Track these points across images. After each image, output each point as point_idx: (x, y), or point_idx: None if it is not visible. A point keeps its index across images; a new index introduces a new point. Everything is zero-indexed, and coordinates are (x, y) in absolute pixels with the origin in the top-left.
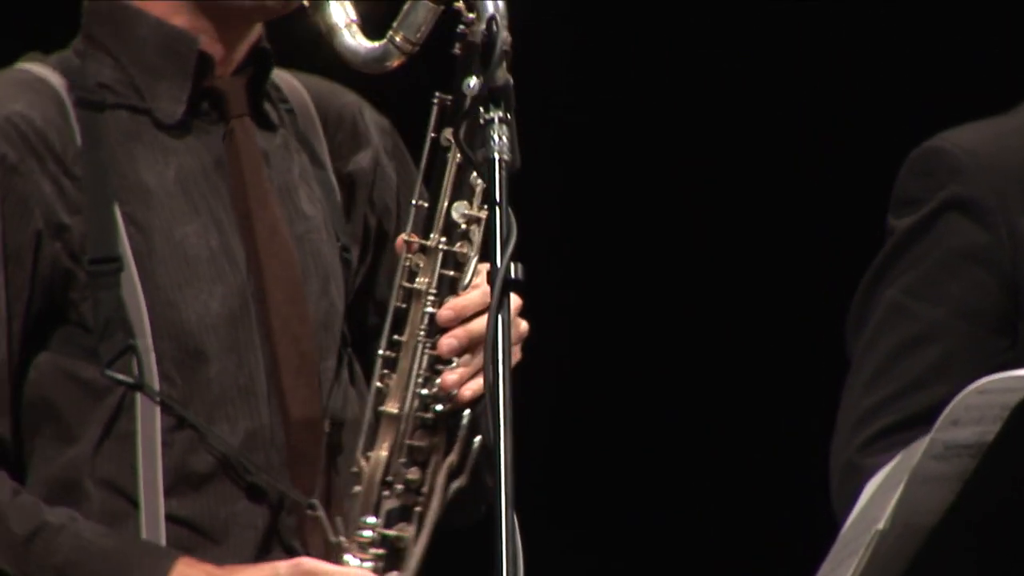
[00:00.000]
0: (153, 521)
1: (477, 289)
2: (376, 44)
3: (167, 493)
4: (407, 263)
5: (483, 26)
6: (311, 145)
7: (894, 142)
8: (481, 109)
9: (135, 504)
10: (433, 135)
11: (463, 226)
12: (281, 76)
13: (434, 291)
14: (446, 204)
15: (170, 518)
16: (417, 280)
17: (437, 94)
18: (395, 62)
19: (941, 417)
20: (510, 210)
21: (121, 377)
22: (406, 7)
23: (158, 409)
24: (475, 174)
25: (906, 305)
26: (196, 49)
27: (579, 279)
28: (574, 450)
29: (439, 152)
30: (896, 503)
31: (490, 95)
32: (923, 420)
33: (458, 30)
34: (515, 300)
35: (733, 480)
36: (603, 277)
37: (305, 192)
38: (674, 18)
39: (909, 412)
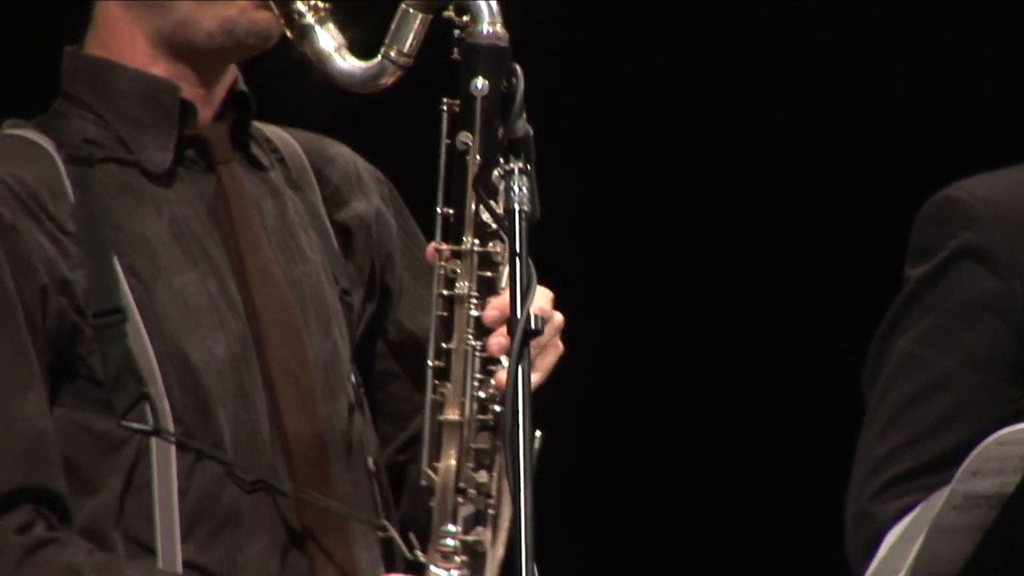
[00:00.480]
0: (170, 567)
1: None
2: (370, 63)
3: (184, 539)
4: (441, 271)
5: (480, 27)
6: (305, 193)
7: (914, 153)
8: (501, 160)
9: (153, 551)
10: (448, 141)
11: (493, 226)
12: (272, 130)
13: (475, 294)
14: (473, 206)
15: (188, 564)
16: (456, 286)
17: (445, 100)
18: (392, 78)
19: (961, 468)
20: (530, 260)
21: (138, 426)
22: (395, 21)
23: (174, 456)
24: (497, 174)
25: (919, 354)
26: (178, 97)
27: (588, 289)
28: (596, 463)
29: (456, 157)
30: (916, 554)
31: (510, 146)
32: (935, 468)
33: (455, 35)
34: (547, 293)
35: (749, 494)
36: (613, 286)
37: (303, 235)
38: (687, 26)
39: (921, 460)
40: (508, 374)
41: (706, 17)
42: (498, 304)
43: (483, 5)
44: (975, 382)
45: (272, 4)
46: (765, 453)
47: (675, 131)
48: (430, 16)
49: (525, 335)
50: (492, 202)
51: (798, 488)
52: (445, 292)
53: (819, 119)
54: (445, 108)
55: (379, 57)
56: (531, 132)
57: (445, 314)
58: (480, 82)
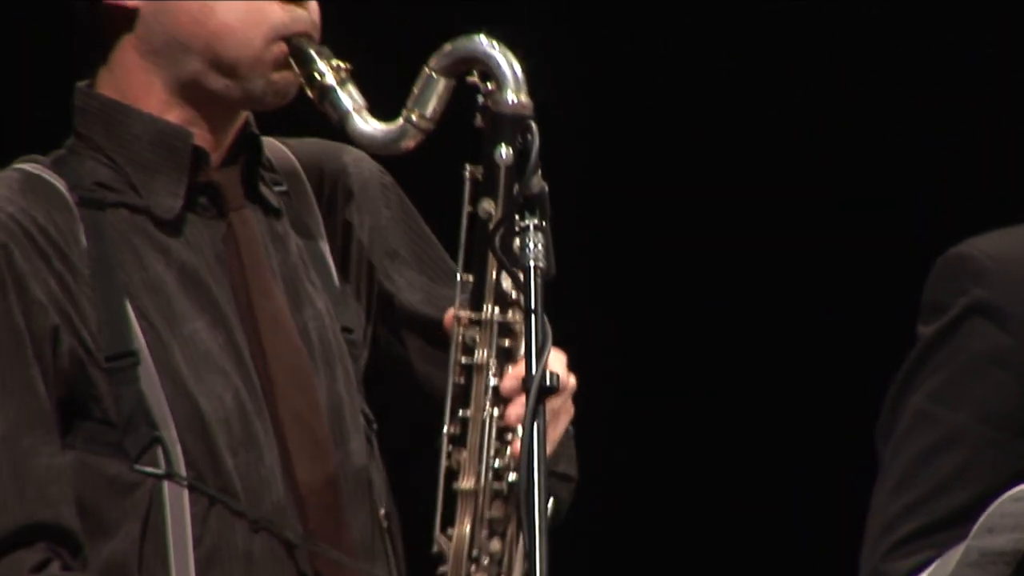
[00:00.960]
0: None
1: None
2: (391, 125)
3: None
4: (460, 338)
5: (505, 95)
6: (306, 224)
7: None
8: (516, 216)
9: None
10: (470, 208)
11: (513, 296)
12: (270, 146)
13: (494, 363)
14: (494, 274)
15: None
16: (476, 354)
17: (468, 167)
18: (413, 141)
19: (976, 525)
20: (545, 317)
21: (151, 470)
22: (419, 84)
23: (187, 501)
24: (518, 241)
25: (930, 410)
26: (191, 144)
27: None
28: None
29: (478, 224)
30: None
31: (525, 202)
32: (948, 525)
33: (479, 102)
34: (561, 357)
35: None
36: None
37: (306, 278)
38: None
39: (933, 518)
40: (523, 429)
41: (725, 84)
42: (516, 373)
43: (508, 72)
44: (986, 438)
45: (293, 63)
46: (775, 480)
47: (686, 188)
48: (453, 81)
49: (540, 391)
50: (509, 262)
51: (812, 522)
52: (464, 360)
53: (852, 164)
54: (468, 174)
55: (400, 120)
56: (546, 188)
57: (463, 381)
58: (504, 151)
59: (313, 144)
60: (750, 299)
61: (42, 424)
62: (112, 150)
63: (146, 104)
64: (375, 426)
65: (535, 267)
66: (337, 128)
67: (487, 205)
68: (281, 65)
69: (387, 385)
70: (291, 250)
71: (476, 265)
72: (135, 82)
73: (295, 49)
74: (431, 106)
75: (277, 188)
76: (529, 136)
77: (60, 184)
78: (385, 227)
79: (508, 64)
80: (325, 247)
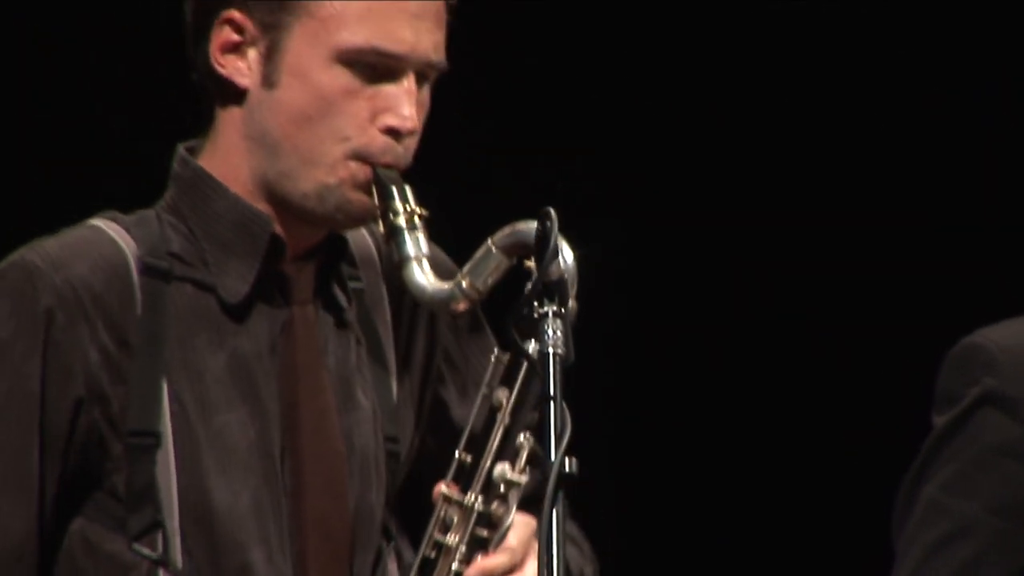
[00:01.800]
0: None
1: (506, 552)
2: (444, 285)
3: None
4: (442, 513)
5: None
6: (373, 323)
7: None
8: (535, 303)
9: None
10: (486, 391)
11: (501, 488)
12: (357, 234)
13: (464, 549)
14: (488, 463)
15: None
16: (448, 536)
17: (496, 350)
18: (460, 306)
19: None
20: (564, 405)
21: (147, 552)
22: (479, 254)
23: None
24: (522, 437)
25: (942, 502)
26: (269, 231)
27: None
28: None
29: (490, 411)
30: None
31: (544, 289)
32: None
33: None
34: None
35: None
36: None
37: (359, 381)
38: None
39: None
40: (543, 517)
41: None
42: (483, 567)
43: (564, 266)
44: (997, 529)
45: (374, 191)
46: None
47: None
48: (512, 261)
49: (559, 478)
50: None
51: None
52: (437, 537)
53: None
54: (494, 359)
55: (452, 283)
56: (565, 275)
57: (432, 556)
58: (532, 344)
59: None
60: (753, 304)
61: (21, 493)
62: (194, 221)
63: (234, 184)
64: (393, 542)
65: (554, 354)
66: (395, 268)
67: (501, 394)
68: (360, 186)
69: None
70: (351, 350)
71: (477, 448)
72: (229, 159)
73: (379, 179)
74: (484, 279)
75: (354, 284)
76: (548, 222)
77: (130, 249)
78: (446, 333)
79: (565, 264)
80: (389, 348)
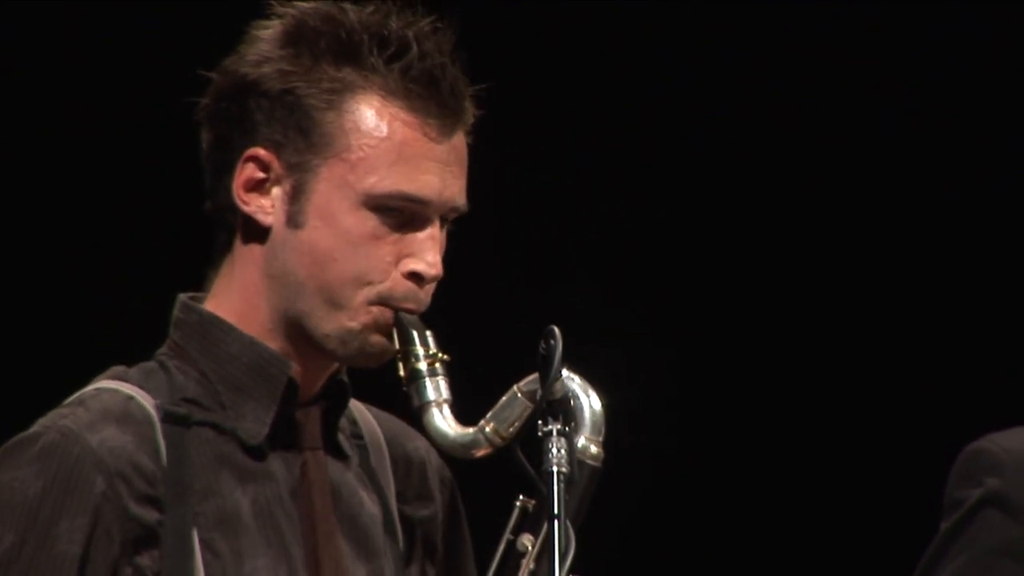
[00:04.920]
0: None
1: None
2: (466, 430)
3: None
4: None
5: (577, 440)
6: (379, 484)
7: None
8: (540, 422)
9: None
10: (510, 536)
11: None
12: (357, 407)
13: None
14: None
15: None
16: None
17: (521, 497)
18: (482, 452)
19: None
20: (568, 523)
21: None
22: (503, 399)
23: None
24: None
25: None
26: (288, 374)
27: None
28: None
29: (512, 555)
30: None
31: (548, 408)
32: None
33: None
34: None
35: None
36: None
37: (373, 532)
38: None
39: None
40: None
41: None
42: None
43: (587, 417)
44: None
45: (395, 333)
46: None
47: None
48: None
49: None
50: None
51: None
52: None
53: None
54: (519, 503)
55: (476, 428)
56: (568, 394)
57: None
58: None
59: (395, 419)
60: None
61: None
62: (206, 366)
63: (248, 325)
64: None
65: (557, 472)
66: (414, 414)
67: (526, 540)
68: (381, 329)
69: None
70: (363, 502)
71: None
72: (248, 298)
73: (401, 323)
74: (509, 425)
75: (356, 440)
76: (552, 341)
77: (147, 401)
78: (442, 525)
79: (590, 408)
80: (394, 508)
